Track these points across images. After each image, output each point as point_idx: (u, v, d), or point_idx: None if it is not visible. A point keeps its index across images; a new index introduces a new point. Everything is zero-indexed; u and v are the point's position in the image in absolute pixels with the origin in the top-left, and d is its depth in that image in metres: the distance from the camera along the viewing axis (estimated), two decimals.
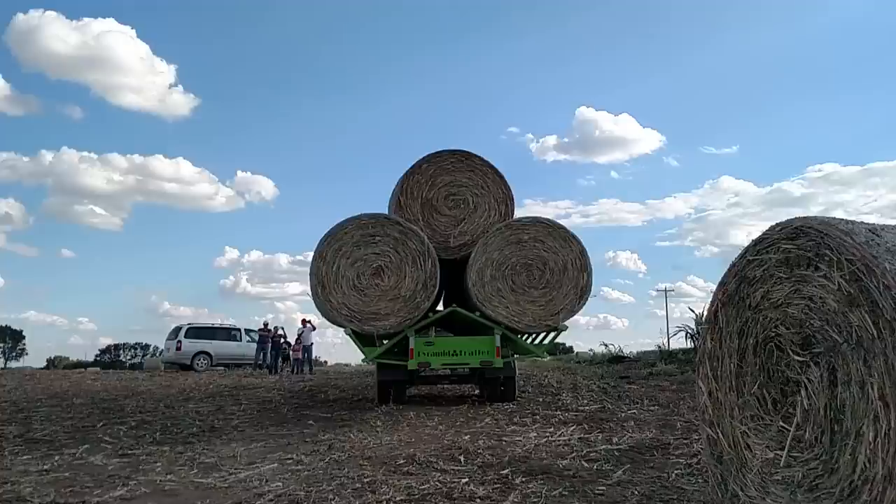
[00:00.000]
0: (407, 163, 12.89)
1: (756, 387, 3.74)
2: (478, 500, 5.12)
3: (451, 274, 13.00)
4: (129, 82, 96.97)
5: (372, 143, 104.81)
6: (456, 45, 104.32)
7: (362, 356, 12.53)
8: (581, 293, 11.91)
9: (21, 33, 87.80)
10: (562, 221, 12.26)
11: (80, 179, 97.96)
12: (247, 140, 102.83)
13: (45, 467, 6.91)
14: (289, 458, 7.11)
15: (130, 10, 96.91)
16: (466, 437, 8.22)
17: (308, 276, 11.59)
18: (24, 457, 7.55)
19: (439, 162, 12.99)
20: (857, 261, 3.02)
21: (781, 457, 3.47)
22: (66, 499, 5.45)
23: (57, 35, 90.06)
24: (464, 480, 5.75)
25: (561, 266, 11.84)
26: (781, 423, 3.54)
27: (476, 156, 13.06)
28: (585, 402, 12.20)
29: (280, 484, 5.85)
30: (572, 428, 8.80)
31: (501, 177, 13.03)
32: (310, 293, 11.63)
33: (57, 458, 7.46)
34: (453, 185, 12.90)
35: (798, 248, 3.43)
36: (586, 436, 8.21)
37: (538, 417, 10.32)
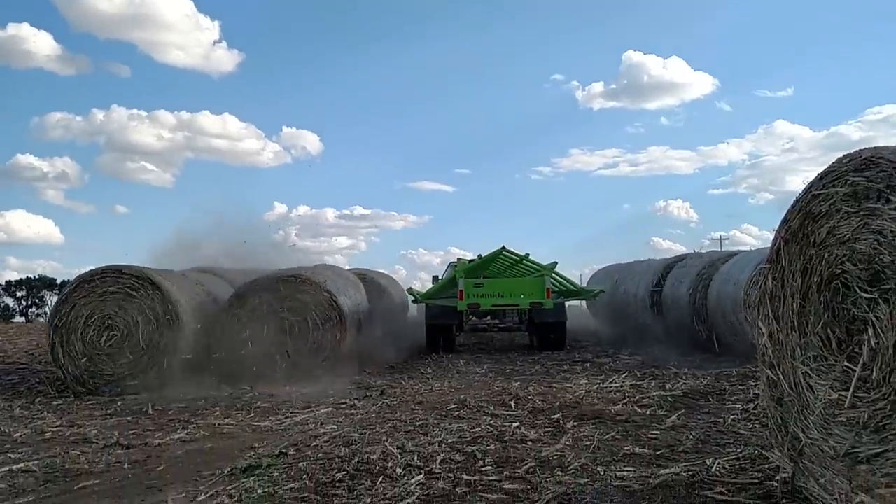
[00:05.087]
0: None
1: (820, 326, 3.58)
2: (529, 443, 5.11)
3: None
4: (174, 39, 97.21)
5: (415, 92, 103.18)
6: None
7: (412, 299, 12.62)
8: None
9: None
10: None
11: (130, 137, 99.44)
12: (292, 95, 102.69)
13: (109, 412, 7.18)
14: (343, 403, 7.23)
15: None
16: (516, 384, 8.23)
17: None
18: (90, 401, 7.86)
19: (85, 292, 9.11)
20: None
21: (846, 398, 3.33)
22: (129, 441, 5.64)
23: None
24: (514, 424, 5.75)
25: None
26: (846, 364, 3.39)
27: (125, 268, 9.23)
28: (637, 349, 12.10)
29: (335, 426, 5.95)
30: (624, 375, 8.72)
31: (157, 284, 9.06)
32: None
33: (119, 403, 7.75)
34: (103, 316, 9.02)
35: (867, 179, 3.23)
36: (638, 383, 8.12)
37: (588, 365, 10.27)
